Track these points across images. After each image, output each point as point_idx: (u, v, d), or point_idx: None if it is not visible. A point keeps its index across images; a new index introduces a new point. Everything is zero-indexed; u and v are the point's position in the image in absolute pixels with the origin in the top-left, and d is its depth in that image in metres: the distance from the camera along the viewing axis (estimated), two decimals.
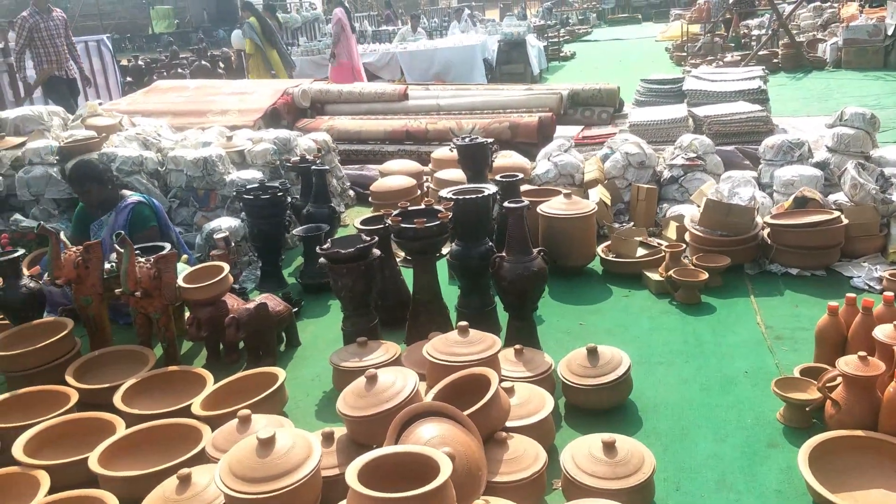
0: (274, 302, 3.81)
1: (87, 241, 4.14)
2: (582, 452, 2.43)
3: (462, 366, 2.77)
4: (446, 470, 1.97)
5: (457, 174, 5.46)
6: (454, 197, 3.53)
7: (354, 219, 5.83)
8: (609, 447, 2.39)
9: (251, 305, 3.68)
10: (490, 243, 3.66)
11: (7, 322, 3.92)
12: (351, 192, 6.53)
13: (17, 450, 2.85)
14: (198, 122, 7.16)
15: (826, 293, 3.87)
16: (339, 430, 2.71)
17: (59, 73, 8.59)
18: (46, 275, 4.16)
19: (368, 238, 3.58)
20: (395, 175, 5.88)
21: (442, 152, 6.00)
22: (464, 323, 2.93)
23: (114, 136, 5.71)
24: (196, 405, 3.12)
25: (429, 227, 3.33)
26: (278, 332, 3.86)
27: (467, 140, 4.88)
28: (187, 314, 4.09)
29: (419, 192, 5.73)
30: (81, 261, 3.68)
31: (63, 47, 8.53)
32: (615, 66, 15.43)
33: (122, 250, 3.63)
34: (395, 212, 3.61)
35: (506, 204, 3.40)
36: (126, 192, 4.46)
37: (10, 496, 2.67)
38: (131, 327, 4.04)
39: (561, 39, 20.38)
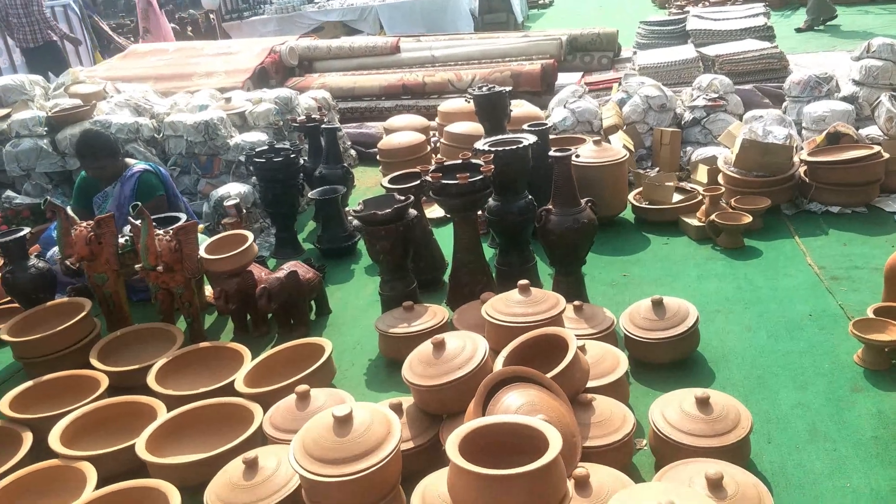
0: (303, 269, 3.61)
1: (90, 215, 3.89)
2: (673, 409, 2.31)
3: (527, 327, 2.61)
4: (556, 442, 1.82)
5: (470, 126, 5.24)
6: (494, 149, 3.33)
7: (360, 178, 5.64)
8: (703, 403, 2.27)
9: (281, 274, 3.47)
10: (529, 197, 3.48)
11: (17, 305, 3.68)
12: (352, 152, 6.27)
13: (55, 441, 2.66)
14: (183, 85, 6.81)
15: (872, 230, 3.77)
16: (406, 400, 2.55)
17: (36, 43, 8.24)
18: (51, 253, 3.93)
19: (403, 197, 3.38)
20: (401, 131, 5.62)
21: (451, 104, 5.75)
22: (525, 281, 2.76)
23: (101, 103, 5.38)
24: (239, 382, 2.93)
25: (472, 182, 3.13)
26: (308, 300, 3.67)
27: (484, 90, 4.65)
28: (207, 287, 3.89)
29: (428, 147, 5.49)
30: (94, 236, 3.43)
31: (37, 14, 8.16)
32: (597, 12, 15.07)
33: (138, 223, 3.39)
34: (433, 167, 3.40)
35: (552, 153, 3.21)
36: (130, 160, 4.19)
37: (56, 491, 2.49)
38: (146, 304, 3.83)
39: None
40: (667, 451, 2.25)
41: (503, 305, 2.73)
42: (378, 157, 5.45)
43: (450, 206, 3.27)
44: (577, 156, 3.18)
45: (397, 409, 2.46)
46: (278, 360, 3.13)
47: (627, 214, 4.39)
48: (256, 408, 2.74)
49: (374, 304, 3.71)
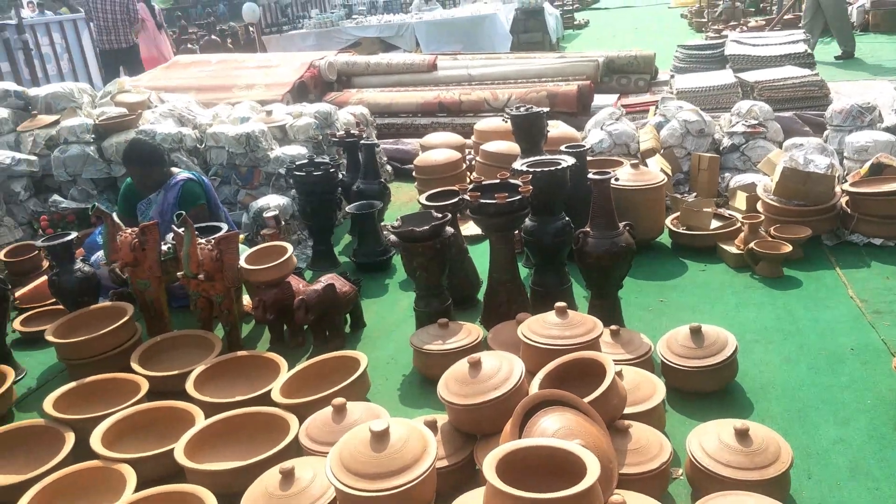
0: (340, 282, 3.65)
1: (133, 222, 3.99)
2: (711, 440, 2.29)
3: (564, 350, 2.61)
4: (594, 467, 1.82)
5: (505, 146, 5.27)
6: (533, 170, 3.35)
7: (395, 194, 5.69)
8: (743, 434, 2.25)
9: (318, 286, 3.52)
10: (567, 218, 3.50)
11: (62, 307, 3.77)
12: (389, 167, 6.33)
13: (96, 442, 2.71)
14: (224, 97, 6.94)
15: None
16: (441, 418, 2.57)
17: (120, 45, 8.81)
18: (95, 258, 4.02)
19: (441, 215, 3.41)
20: (437, 148, 5.67)
21: (487, 123, 5.79)
22: (562, 304, 2.77)
23: (146, 112, 5.52)
24: (276, 392, 2.97)
25: (510, 202, 3.15)
26: (344, 313, 3.70)
27: (522, 110, 4.68)
28: (245, 297, 3.95)
29: (464, 165, 5.53)
30: (138, 243, 3.51)
31: (119, 15, 8.54)
32: (632, 34, 15.07)
33: (181, 231, 3.47)
34: (471, 186, 3.43)
35: (591, 175, 3.22)
36: (174, 168, 4.28)
37: (96, 492, 2.54)
38: (186, 311, 3.90)
39: (573, 7, 19.95)
40: (704, 483, 2.23)
41: (540, 327, 2.73)
42: (414, 173, 5.50)
43: (487, 225, 3.29)
44: (617, 179, 3.18)
45: (432, 426, 2.47)
46: (314, 371, 3.17)
47: (664, 239, 4.37)
48: (292, 418, 2.77)
49: (409, 319, 3.73)
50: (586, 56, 8.11)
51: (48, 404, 2.97)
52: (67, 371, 3.45)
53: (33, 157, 5.02)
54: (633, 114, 6.74)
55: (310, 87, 7.56)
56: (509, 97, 6.99)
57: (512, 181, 3.40)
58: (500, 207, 3.17)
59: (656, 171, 4.40)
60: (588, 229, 3.24)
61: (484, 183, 3.47)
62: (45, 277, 4.11)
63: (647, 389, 2.57)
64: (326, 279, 3.61)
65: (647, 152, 5.00)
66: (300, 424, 2.70)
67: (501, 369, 2.46)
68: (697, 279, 3.88)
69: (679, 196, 4.73)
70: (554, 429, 2.11)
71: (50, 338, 3.38)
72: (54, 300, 3.91)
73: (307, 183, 4.37)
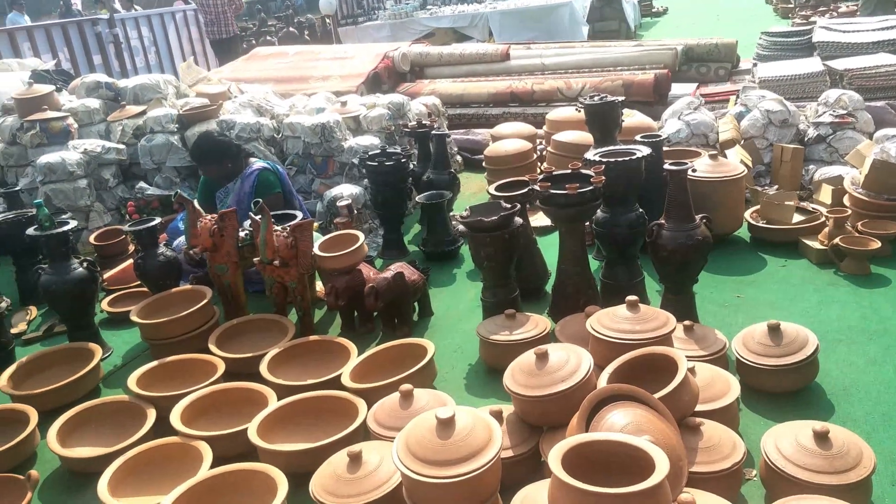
0: (409, 271, 3.69)
1: (212, 209, 4.13)
2: (788, 441, 2.20)
3: (635, 344, 2.56)
4: (662, 464, 1.78)
5: (578, 136, 5.20)
6: (606, 160, 3.29)
7: (465, 184, 5.69)
8: (822, 437, 2.15)
9: (388, 274, 3.56)
10: (640, 210, 3.42)
11: (146, 290, 3.96)
12: (458, 158, 6.34)
13: (176, 419, 2.83)
14: (300, 87, 7.10)
15: None
16: (506, 408, 2.57)
17: (222, 35, 9.50)
18: (177, 242, 4.19)
19: (510, 205, 3.40)
20: (508, 139, 5.64)
21: (560, 113, 5.73)
22: (634, 297, 2.71)
23: (227, 103, 5.70)
24: (345, 377, 3.03)
25: (582, 193, 3.11)
26: (413, 301, 3.74)
27: (596, 99, 4.59)
28: (318, 283, 4.04)
29: (535, 155, 5.48)
30: (217, 229, 3.64)
31: (223, 7, 8.98)
32: (714, 22, 14.55)
33: (258, 218, 3.57)
34: (541, 176, 3.40)
35: (667, 166, 3.13)
36: (251, 158, 4.41)
37: (175, 467, 2.65)
38: (260, 295, 4.02)
39: None
40: (779, 485, 2.15)
41: (609, 321, 2.69)
42: (484, 163, 5.49)
43: (557, 216, 3.26)
44: (694, 170, 3.09)
45: (497, 416, 2.47)
46: (382, 357, 3.22)
47: (743, 233, 4.22)
48: (361, 403, 2.83)
49: (476, 309, 3.74)
50: (664, 44, 7.90)
51: (132, 382, 3.12)
52: (150, 350, 3.61)
53: (122, 146, 5.28)
54: (712, 103, 6.53)
55: (383, 78, 7.64)
56: (583, 86, 6.89)
57: (584, 171, 3.35)
58: (571, 198, 3.12)
59: (736, 162, 4.25)
60: (662, 221, 3.16)
61: (555, 173, 3.43)
62: (130, 261, 4.33)
63: (721, 387, 2.50)
64: (396, 267, 3.66)
65: (727, 143, 4.84)
66: (368, 409, 2.75)
67: (569, 362, 2.44)
68: (777, 275, 3.73)
69: (759, 188, 4.56)
70: (622, 424, 2.08)
71: (134, 318, 3.54)
72: (139, 283, 4.10)
73: (379, 173, 4.43)
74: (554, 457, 1.85)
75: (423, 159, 5.04)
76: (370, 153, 4.65)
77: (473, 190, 5.74)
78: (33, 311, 4.15)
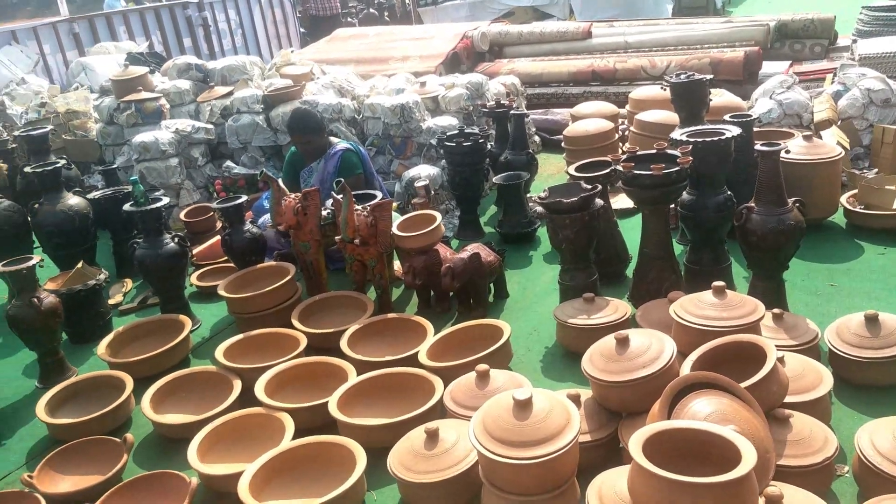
0: (485, 252, 3.68)
1: (296, 188, 4.23)
2: (885, 437, 2.09)
3: (721, 332, 2.47)
4: (749, 455, 1.72)
5: (663, 115, 5.04)
6: (694, 139, 3.17)
7: (543, 165, 5.61)
8: None
9: (464, 255, 3.56)
10: (728, 192, 3.29)
11: (232, 265, 4.10)
12: (536, 138, 6.26)
13: (260, 391, 2.94)
14: (381, 68, 7.14)
15: None
16: (584, 393, 2.54)
17: (324, 13, 10.08)
18: (262, 220, 4.32)
19: (590, 186, 3.33)
20: (589, 118, 5.52)
21: (643, 92, 5.56)
22: (720, 283, 2.62)
23: (309, 84, 5.80)
24: (422, 355, 3.07)
25: (668, 174, 3.01)
26: (488, 282, 3.73)
27: (682, 77, 4.43)
28: (395, 262, 4.08)
29: (616, 136, 5.35)
30: (300, 208, 3.73)
31: None
32: None
33: (340, 198, 3.64)
34: (624, 156, 3.31)
35: (759, 146, 3.00)
36: (334, 139, 4.49)
37: (258, 436, 2.75)
38: (340, 273, 4.10)
39: None
40: (874, 483, 2.05)
41: (694, 307, 2.61)
42: (563, 143, 5.40)
43: (641, 197, 3.17)
44: (787, 151, 2.94)
45: (575, 400, 2.43)
46: (458, 337, 3.23)
47: (838, 218, 4.00)
48: (437, 381, 2.85)
49: (552, 292, 3.70)
50: (755, 20, 7.53)
51: (219, 353, 3.25)
52: (236, 323, 3.74)
53: (210, 126, 5.46)
54: (806, 82, 6.20)
55: (462, 58, 7.60)
56: (668, 64, 6.66)
57: (669, 151, 3.25)
58: (656, 179, 3.03)
59: (832, 144, 4.03)
60: (753, 205, 3.03)
61: (639, 153, 3.34)
62: (218, 237, 4.49)
63: (812, 378, 2.39)
64: (472, 248, 3.65)
65: (822, 123, 4.59)
66: (444, 387, 2.78)
67: (651, 348, 2.38)
68: (874, 263, 3.52)
69: (858, 172, 4.31)
70: (706, 412, 2.02)
71: (222, 293, 3.68)
72: (226, 258, 4.25)
73: (457, 153, 4.42)
74: (635, 443, 1.82)
75: (501, 140, 5.00)
76: (448, 134, 4.64)
77: (551, 171, 5.66)
78: (129, 284, 4.38)
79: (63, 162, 4.36)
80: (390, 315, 3.52)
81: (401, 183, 4.86)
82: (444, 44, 7.62)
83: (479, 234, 4.59)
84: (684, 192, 3.29)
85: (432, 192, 4.60)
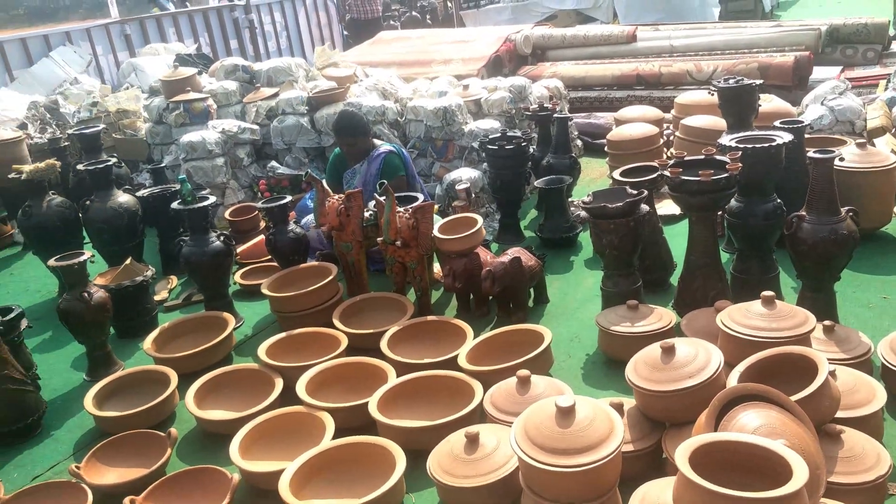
0: (526, 256, 3.66)
1: (339, 189, 4.26)
2: None
3: (769, 343, 2.42)
4: (801, 471, 1.68)
5: (709, 121, 4.95)
6: (743, 145, 3.11)
7: (585, 170, 5.56)
8: None
9: (505, 259, 3.55)
10: (778, 200, 3.22)
11: (276, 264, 4.15)
12: (579, 142, 6.21)
13: (301, 389, 2.96)
14: (423, 71, 7.17)
15: None
16: (627, 402, 2.50)
17: (366, 15, 10.22)
18: (305, 220, 4.36)
19: (636, 191, 3.29)
20: (633, 123, 5.45)
21: (689, 96, 5.48)
22: (770, 293, 2.56)
23: (354, 86, 5.85)
24: (462, 358, 3.06)
25: (716, 180, 2.96)
26: (529, 287, 3.71)
27: (731, 82, 4.35)
28: (435, 265, 4.09)
29: (661, 140, 5.28)
30: (344, 209, 3.75)
31: None
32: (862, 1, 13.40)
33: (382, 199, 3.65)
34: (671, 161, 3.26)
35: (811, 154, 2.92)
36: (377, 141, 4.52)
37: (299, 435, 2.77)
38: (381, 274, 4.11)
39: None
40: None
41: (742, 316, 2.55)
42: (606, 148, 5.34)
43: (688, 203, 3.11)
44: (842, 158, 2.86)
45: (618, 409, 2.40)
46: (498, 341, 3.22)
47: (892, 229, 3.89)
48: (477, 385, 2.84)
49: (594, 298, 3.66)
50: (806, 24, 7.36)
51: (262, 351, 3.29)
52: (278, 322, 3.79)
53: (256, 126, 5.54)
54: (859, 88, 6.04)
55: (505, 62, 7.59)
56: (715, 69, 6.55)
57: (718, 157, 3.19)
58: (704, 185, 2.98)
59: (886, 151, 3.92)
60: (803, 213, 2.96)
61: (686, 158, 3.28)
62: (262, 237, 4.55)
63: (865, 394, 2.32)
64: (513, 252, 3.64)
65: (876, 131, 4.47)
66: (484, 391, 2.76)
67: (698, 357, 2.34)
68: None
69: None
70: (755, 425, 1.97)
71: (265, 291, 3.73)
72: (269, 257, 4.31)
73: (499, 157, 4.41)
74: (681, 455, 1.78)
75: (544, 143, 4.97)
76: (490, 136, 4.63)
77: (593, 176, 5.61)
78: (174, 281, 4.47)
79: (114, 160, 4.47)
80: (430, 317, 3.52)
81: (441, 186, 4.86)
82: (487, 47, 7.61)
83: (520, 238, 4.57)
84: (732, 199, 3.23)
85: (473, 195, 4.59)
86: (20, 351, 3.35)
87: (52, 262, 3.41)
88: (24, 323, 3.41)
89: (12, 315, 3.30)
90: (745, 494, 1.59)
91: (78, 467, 2.72)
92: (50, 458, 2.99)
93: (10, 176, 4.29)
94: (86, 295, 3.34)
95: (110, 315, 3.47)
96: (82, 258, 3.37)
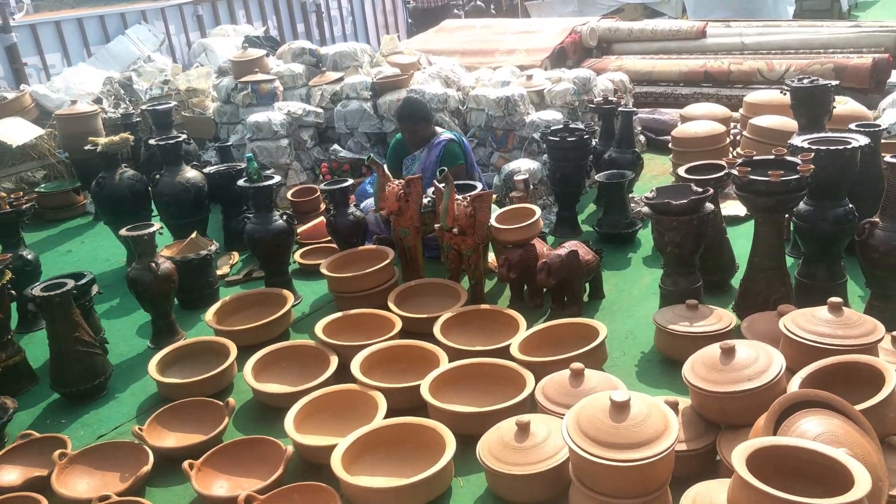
0: (584, 250, 3.63)
1: (398, 175, 4.30)
2: None
3: (835, 350, 2.35)
4: (863, 481, 1.64)
5: (779, 121, 4.83)
6: (816, 147, 3.02)
7: (646, 166, 5.47)
8: None
9: (562, 251, 3.53)
10: (850, 205, 3.12)
11: (334, 245, 4.22)
12: (641, 137, 6.11)
13: (356, 369, 3.02)
14: (486, 61, 7.14)
15: None
16: (683, 401, 2.47)
17: (429, 4, 10.37)
18: (364, 204, 4.42)
19: (702, 189, 3.23)
20: (699, 120, 5.34)
21: (759, 95, 5.34)
22: (838, 299, 2.48)
23: (417, 73, 5.88)
24: (514, 348, 3.07)
25: (786, 181, 2.88)
26: (585, 281, 3.68)
27: (805, 82, 4.21)
28: (491, 254, 4.09)
29: (727, 139, 5.16)
30: (403, 194, 3.79)
31: None
32: None
33: (442, 186, 3.67)
34: (740, 160, 3.19)
35: (888, 158, 2.82)
36: (439, 128, 4.54)
37: (352, 412, 2.83)
38: (434, 261, 4.14)
39: None
40: None
41: (807, 322, 2.48)
42: (670, 144, 5.25)
43: (755, 204, 3.04)
44: None
45: (673, 407, 2.38)
46: (552, 333, 3.21)
47: None
48: (528, 375, 2.85)
49: (651, 296, 3.62)
50: (886, 25, 7.06)
51: (319, 329, 3.36)
52: (335, 302, 3.86)
53: (320, 110, 5.63)
54: None
55: (569, 54, 7.51)
56: (787, 68, 6.35)
57: (789, 158, 3.10)
58: (773, 186, 2.90)
59: None
60: (877, 219, 2.86)
61: (755, 158, 3.20)
62: (321, 218, 4.63)
63: None
64: (570, 245, 3.61)
65: None
66: (535, 382, 2.77)
67: (758, 360, 2.29)
68: None
69: None
70: (816, 432, 1.93)
71: (324, 271, 3.80)
72: (328, 238, 4.38)
73: (560, 148, 4.38)
74: (739, 456, 1.76)
75: (606, 137, 4.91)
76: (552, 128, 4.60)
77: (655, 172, 5.52)
78: (235, 257, 4.59)
79: (184, 136, 4.60)
80: (483, 306, 3.54)
81: (499, 176, 4.86)
82: (551, 38, 7.54)
83: (577, 232, 4.54)
84: (802, 202, 3.14)
85: (531, 187, 4.57)
86: (90, 315, 3.51)
87: (123, 231, 3.55)
88: (94, 289, 3.56)
89: (84, 280, 3.45)
90: (805, 500, 1.56)
91: (140, 429, 2.83)
92: (114, 419, 3.12)
93: (86, 147, 4.46)
94: (153, 265, 3.47)
95: (175, 286, 3.59)
96: (152, 229, 3.50)
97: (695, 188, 3.26)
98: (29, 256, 3.82)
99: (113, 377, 3.34)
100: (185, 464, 2.56)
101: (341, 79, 5.81)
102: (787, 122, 4.79)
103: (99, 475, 2.69)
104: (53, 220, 5.67)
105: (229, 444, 2.74)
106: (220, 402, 2.96)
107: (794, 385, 2.24)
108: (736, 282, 3.43)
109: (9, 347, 3.30)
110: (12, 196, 3.87)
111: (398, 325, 3.37)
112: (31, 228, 5.15)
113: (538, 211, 3.74)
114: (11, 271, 3.33)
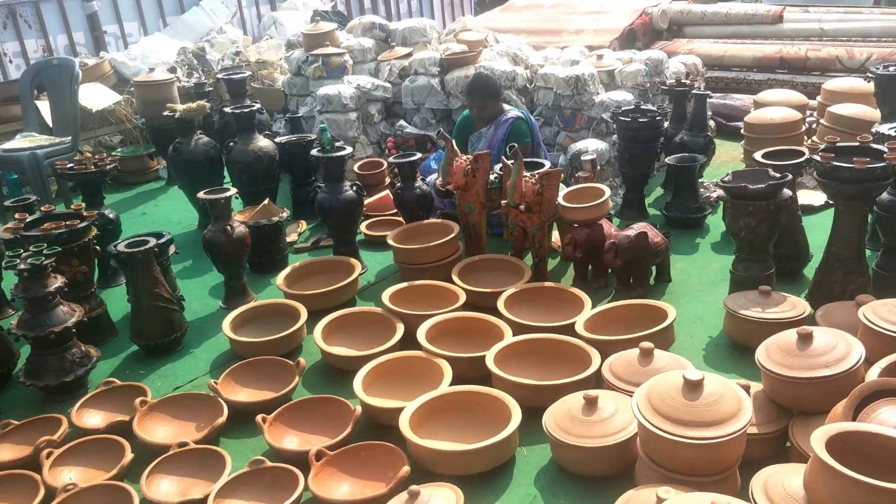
0: (653, 232, 3.60)
1: (464, 152, 4.32)
2: None
3: None
4: None
5: (859, 110, 4.68)
6: None
7: (717, 151, 5.36)
8: None
9: (631, 233, 3.51)
10: None
11: (400, 218, 4.28)
12: (712, 123, 5.97)
13: (422, 336, 3.07)
14: (553, 41, 7.07)
15: None
16: (755, 385, 2.45)
17: None
18: (430, 178, 4.46)
19: (780, 175, 3.16)
20: (774, 106, 5.19)
21: (839, 83, 5.16)
22: None
23: (485, 51, 5.86)
24: (579, 325, 3.07)
25: (871, 169, 2.79)
26: (652, 264, 3.65)
27: (891, 69, 4.07)
28: (554, 233, 4.09)
29: (803, 127, 5.00)
30: (471, 169, 3.81)
31: None
32: None
33: (510, 163, 3.68)
34: (823, 146, 3.11)
35: None
36: (506, 106, 4.53)
37: (417, 378, 2.89)
38: (497, 238, 4.16)
39: None
40: None
41: (888, 312, 2.43)
42: (743, 130, 5.11)
43: (838, 192, 2.96)
44: None
45: (745, 391, 2.36)
46: (618, 313, 3.21)
47: None
48: (594, 352, 2.86)
49: (720, 282, 3.57)
50: None
51: (385, 297, 3.42)
52: (399, 273, 3.92)
53: (388, 85, 5.68)
54: None
55: (638, 35, 7.37)
56: (868, 56, 6.11)
57: (874, 146, 3.01)
58: (858, 173, 2.82)
59: None
60: None
61: (839, 144, 3.11)
62: (387, 191, 4.69)
63: None
64: (639, 227, 3.58)
65: None
66: (601, 360, 2.77)
67: (837, 348, 2.26)
68: None
69: None
70: (894, 422, 1.89)
71: (391, 242, 3.86)
72: (394, 211, 4.44)
73: (631, 129, 4.33)
74: (818, 440, 1.74)
75: (678, 120, 4.83)
76: (623, 108, 4.55)
77: (725, 158, 5.41)
78: (303, 225, 4.69)
79: (258, 105, 4.71)
80: (548, 283, 3.55)
81: (565, 155, 4.83)
82: (621, 19, 7.41)
83: (643, 215, 4.49)
84: (885, 192, 3.04)
85: (598, 168, 4.53)
86: (168, 273, 3.65)
87: (201, 194, 3.67)
88: (171, 248, 3.70)
89: (164, 240, 3.59)
90: (888, 485, 1.54)
91: (216, 383, 2.95)
92: (189, 373, 3.25)
93: (164, 114, 4.61)
94: (228, 228, 3.58)
95: (248, 249, 3.70)
96: (228, 193, 3.61)
97: (772, 173, 3.19)
98: (111, 215, 3.99)
99: (187, 334, 3.48)
100: (259, 417, 2.66)
101: (410, 54, 5.84)
102: (869, 111, 4.63)
103: (177, 423, 2.82)
104: (129, 182, 5.90)
105: (300, 401, 2.83)
106: (291, 362, 3.06)
107: (872, 374, 2.20)
108: (808, 271, 3.35)
109: (92, 300, 3.47)
110: (96, 157, 4.02)
111: (462, 297, 3.40)
112: (108, 190, 5.35)
113: (607, 191, 3.72)
114: (97, 228, 3.49)
